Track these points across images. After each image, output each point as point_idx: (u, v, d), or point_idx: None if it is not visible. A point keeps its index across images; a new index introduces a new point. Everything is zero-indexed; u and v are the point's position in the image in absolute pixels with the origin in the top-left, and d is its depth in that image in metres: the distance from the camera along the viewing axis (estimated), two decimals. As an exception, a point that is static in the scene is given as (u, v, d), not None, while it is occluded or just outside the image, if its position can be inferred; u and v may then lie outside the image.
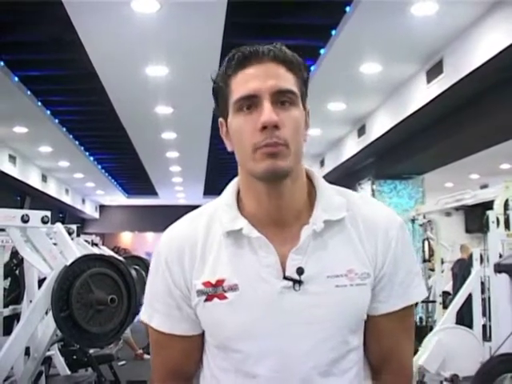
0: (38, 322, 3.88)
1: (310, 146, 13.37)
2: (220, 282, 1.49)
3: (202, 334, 1.58)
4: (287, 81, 1.46)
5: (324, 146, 13.66)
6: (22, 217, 3.69)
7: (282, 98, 1.45)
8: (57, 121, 11.19)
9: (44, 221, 3.75)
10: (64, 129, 11.88)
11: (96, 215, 24.82)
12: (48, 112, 10.54)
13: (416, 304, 1.74)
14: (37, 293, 4.77)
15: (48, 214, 3.81)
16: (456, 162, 10.73)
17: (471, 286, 5.62)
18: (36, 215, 3.77)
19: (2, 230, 4.43)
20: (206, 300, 1.49)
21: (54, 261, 3.83)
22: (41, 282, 5.37)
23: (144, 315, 1.61)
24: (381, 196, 12.25)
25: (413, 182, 12.28)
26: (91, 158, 15.29)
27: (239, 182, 1.59)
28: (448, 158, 10.58)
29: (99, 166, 16.51)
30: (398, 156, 11.11)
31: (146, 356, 11.60)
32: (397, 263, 1.54)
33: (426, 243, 8.86)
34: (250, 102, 1.44)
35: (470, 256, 7.00)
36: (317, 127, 11.66)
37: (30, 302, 5.08)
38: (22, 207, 15.42)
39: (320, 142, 13.03)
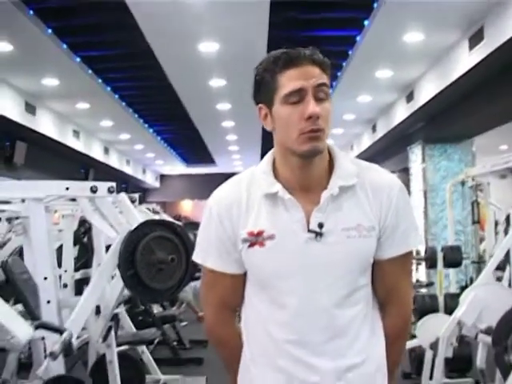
0: (106, 282, 4.31)
1: (361, 112, 13.75)
2: (260, 233, 1.90)
3: (245, 274, 2.01)
4: (322, 78, 1.88)
5: (375, 112, 13.88)
6: (91, 188, 4.08)
7: (319, 93, 1.87)
8: (116, 96, 11.72)
9: (110, 191, 4.13)
10: (123, 103, 12.41)
11: (157, 184, 25.37)
12: (108, 88, 11.06)
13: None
14: (105, 256, 5.30)
15: (113, 184, 4.24)
16: (509, 125, 10.71)
17: (509, 243, 5.84)
18: (103, 186, 4.14)
19: (73, 200, 4.88)
20: (249, 246, 1.91)
21: (119, 226, 4.25)
22: (108, 247, 5.91)
23: (198, 258, 2.04)
24: (431, 160, 12.39)
25: (462, 145, 12.29)
26: (150, 130, 15.77)
27: (275, 155, 2.01)
28: (496, 120, 10.64)
29: (158, 138, 16.99)
30: (446, 120, 11.20)
31: (207, 318, 12.17)
32: (398, 217, 1.94)
33: (476, 206, 9.05)
34: (298, 96, 1.85)
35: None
36: (367, 94, 11.97)
37: (99, 265, 5.66)
38: (86, 179, 16.01)
39: (371, 108, 13.30)
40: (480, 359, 4.72)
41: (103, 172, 17.27)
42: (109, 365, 4.81)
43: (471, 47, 8.10)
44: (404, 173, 14.36)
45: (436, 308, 7.08)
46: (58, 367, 3.71)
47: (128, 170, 20.09)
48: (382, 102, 12.82)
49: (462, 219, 11.26)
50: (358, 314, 1.93)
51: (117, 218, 4.31)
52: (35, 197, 3.93)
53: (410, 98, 11.53)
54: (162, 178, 26.38)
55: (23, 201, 4.00)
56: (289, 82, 1.86)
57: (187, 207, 26.57)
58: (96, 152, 16.07)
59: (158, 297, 4.53)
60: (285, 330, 1.90)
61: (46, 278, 3.90)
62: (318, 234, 1.86)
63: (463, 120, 10.70)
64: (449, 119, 11.08)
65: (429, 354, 5.81)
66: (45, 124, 12.04)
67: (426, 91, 10.50)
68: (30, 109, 11.10)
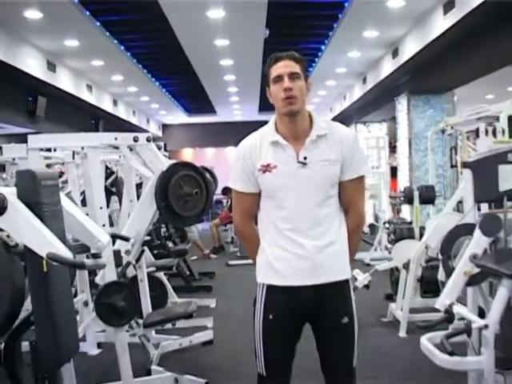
0: (147, 211, 5.23)
1: (352, 66, 14.67)
2: (269, 165, 3.01)
3: (259, 193, 3.13)
4: (296, 68, 3.02)
5: (365, 66, 14.78)
6: (134, 138, 5.13)
7: (292, 76, 3.01)
8: (129, 54, 12.74)
9: (148, 140, 5.16)
10: (134, 60, 13.40)
11: (159, 133, 25.96)
12: (122, 47, 12.09)
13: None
14: (134, 192, 6.40)
15: (150, 134, 5.23)
16: (494, 76, 11.36)
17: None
18: (143, 136, 5.18)
19: (116, 148, 5.87)
20: (263, 173, 3.04)
21: (154, 168, 5.23)
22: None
23: (231, 184, 3.18)
24: (415, 110, 13.38)
25: (444, 96, 13.26)
26: (157, 83, 16.64)
27: (276, 117, 3.16)
28: (474, 74, 11.52)
29: (163, 90, 17.83)
30: (428, 74, 12.19)
31: (212, 255, 13.28)
32: (352, 154, 3.09)
33: (454, 151, 9.94)
34: (279, 79, 3.01)
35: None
36: (356, 51, 12.97)
37: (131, 201, 6.64)
38: (96, 129, 16.97)
39: (361, 62, 14.24)
40: (440, 273, 5.65)
41: (112, 122, 18.20)
42: (140, 283, 5.77)
43: (445, 12, 9.14)
44: (393, 121, 15.31)
45: (412, 237, 8.17)
46: (112, 275, 4.81)
47: (134, 120, 20.91)
48: (371, 57, 13.75)
49: (443, 164, 12.15)
50: (330, 212, 3.07)
51: (153, 161, 5.27)
52: (93, 145, 5.06)
53: (395, 54, 12.49)
54: (165, 127, 27.00)
55: (82, 148, 5.01)
56: (275, 71, 3.02)
57: (188, 155, 26.90)
58: (106, 104, 16.97)
59: (186, 222, 5.64)
60: (284, 222, 3.03)
61: (101, 208, 5.04)
62: (304, 164, 3.01)
63: (444, 74, 11.69)
64: (431, 73, 12.07)
65: (403, 274, 6.86)
66: (63, 80, 13.04)
67: (409, 48, 11.48)
68: (51, 67, 12.12)
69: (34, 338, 3.08)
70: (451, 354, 3.87)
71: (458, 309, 4.35)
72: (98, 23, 10.18)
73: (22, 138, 12.30)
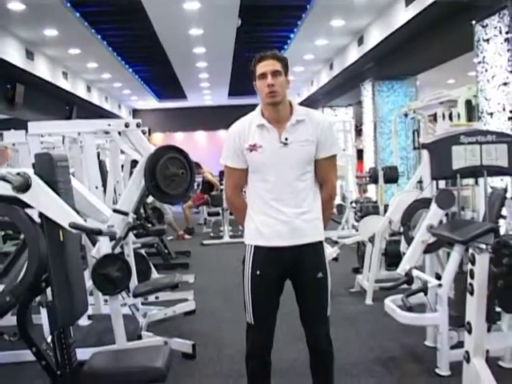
0: (136, 189, 5.61)
1: (319, 53, 15.22)
2: (255, 145, 3.52)
3: (247, 169, 3.65)
4: (277, 66, 3.54)
5: (332, 53, 15.35)
6: (125, 124, 5.59)
7: (274, 73, 3.53)
8: (105, 42, 13.16)
9: (138, 125, 5.62)
10: (110, 48, 13.82)
11: (130, 118, 25.93)
12: (99, 36, 12.51)
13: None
14: (120, 174, 6.83)
15: (140, 120, 5.62)
16: (455, 62, 11.93)
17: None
18: (133, 122, 5.63)
19: (107, 132, 6.28)
20: (250, 152, 3.54)
21: (143, 151, 5.63)
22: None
23: (223, 160, 3.68)
24: (380, 95, 13.95)
25: (407, 81, 13.85)
26: (130, 70, 17.08)
27: (261, 106, 3.67)
28: (434, 61, 12.22)
29: (136, 76, 18.28)
30: (392, 61, 12.77)
31: (186, 236, 13.71)
32: (326, 137, 3.63)
33: (416, 134, 10.42)
34: (263, 76, 3.53)
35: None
36: (323, 39, 13.54)
37: (117, 182, 7.09)
38: (70, 116, 17.34)
39: (328, 49, 14.81)
40: (402, 246, 6.12)
41: (85, 108, 18.56)
42: (127, 258, 5.90)
43: (407, 4, 9.69)
44: (359, 105, 15.81)
45: (377, 214, 8.69)
46: (107, 248, 5.29)
47: (106, 105, 21.30)
48: (337, 44, 14.31)
49: (406, 146, 12.64)
50: (306, 185, 3.60)
51: (141, 145, 5.70)
52: (89, 131, 5.54)
53: (360, 42, 13.05)
54: (135, 112, 27.38)
55: (79, 134, 5.46)
56: (260, 69, 3.52)
57: (158, 140, 26.87)
58: (80, 91, 17.36)
59: (172, 199, 6.04)
60: (269, 193, 3.55)
61: (97, 187, 5.54)
62: (285, 144, 3.54)
63: (406, 61, 12.28)
64: (394, 60, 12.64)
65: (369, 248, 7.37)
66: (41, 68, 13.44)
67: (374, 37, 12.04)
68: (30, 55, 12.53)
69: (49, 300, 3.55)
70: (410, 309, 4.43)
71: (416, 272, 4.94)
72: (78, 14, 10.61)
73: (1, 124, 12.73)
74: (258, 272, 3.56)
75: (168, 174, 5.54)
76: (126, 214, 5.29)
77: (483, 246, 3.14)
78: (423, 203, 5.48)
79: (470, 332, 3.07)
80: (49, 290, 3.48)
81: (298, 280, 3.64)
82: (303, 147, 3.54)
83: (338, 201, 16.03)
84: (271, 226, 3.53)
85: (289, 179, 3.53)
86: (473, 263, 3.00)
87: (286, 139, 3.52)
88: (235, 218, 4.01)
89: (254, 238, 3.61)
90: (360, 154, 15.85)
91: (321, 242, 3.65)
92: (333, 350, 3.74)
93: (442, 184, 5.52)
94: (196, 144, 26.56)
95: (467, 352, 3.10)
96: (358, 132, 18.16)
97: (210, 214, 14.70)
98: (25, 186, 3.32)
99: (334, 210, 16.02)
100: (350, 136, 18.40)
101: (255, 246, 3.60)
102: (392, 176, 9.21)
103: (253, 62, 3.59)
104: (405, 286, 5.05)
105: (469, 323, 3.10)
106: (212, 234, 13.88)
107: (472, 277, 3.03)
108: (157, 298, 6.76)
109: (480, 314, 2.98)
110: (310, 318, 3.69)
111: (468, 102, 8.05)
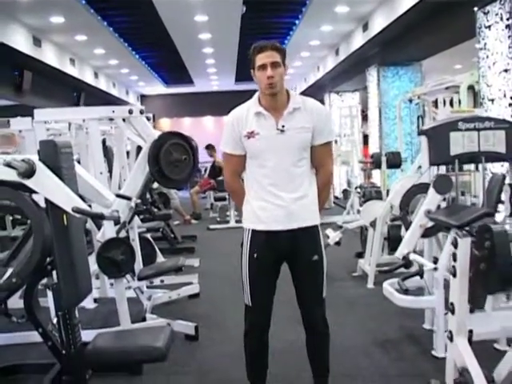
0: (140, 175, 5.68)
1: (325, 39, 15.25)
2: (253, 132, 3.62)
3: (245, 155, 3.75)
4: (277, 58, 3.62)
5: (337, 39, 15.39)
6: (129, 110, 5.69)
7: (274, 65, 3.60)
8: (111, 29, 13.25)
9: (141, 112, 5.73)
10: (116, 34, 13.91)
11: (138, 104, 26.01)
12: (105, 23, 12.61)
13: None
14: (125, 159, 6.92)
15: (143, 107, 5.76)
16: (461, 47, 11.68)
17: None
18: (136, 109, 5.75)
19: (111, 119, 6.41)
20: (248, 138, 3.64)
21: (147, 137, 5.72)
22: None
23: (222, 146, 3.79)
24: (385, 80, 13.99)
25: (412, 67, 13.89)
26: (136, 56, 17.15)
27: (259, 94, 3.76)
28: (439, 47, 12.19)
29: (143, 62, 18.35)
30: (397, 46, 12.80)
31: (193, 221, 13.85)
32: (322, 124, 3.74)
33: (420, 120, 10.48)
34: (263, 67, 3.61)
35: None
36: (328, 25, 13.60)
37: (122, 167, 7.19)
38: (78, 103, 17.48)
39: (333, 35, 14.86)
40: (404, 230, 6.21)
41: (93, 94, 18.62)
42: (132, 242, 6.06)
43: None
44: (365, 91, 15.84)
45: (380, 199, 8.75)
46: (111, 232, 5.41)
47: (114, 92, 21.35)
48: (343, 30, 14.35)
49: (411, 131, 12.77)
50: (303, 171, 3.70)
51: (145, 131, 5.79)
52: (94, 117, 5.65)
53: (365, 27, 13.09)
54: (143, 98, 27.41)
55: (84, 120, 5.57)
56: (259, 60, 3.58)
57: (166, 125, 27.25)
58: (88, 77, 17.42)
59: (175, 184, 6.14)
60: (266, 178, 3.65)
61: (101, 173, 5.66)
62: (282, 131, 3.64)
63: (411, 46, 12.31)
64: (399, 46, 12.66)
65: (370, 232, 7.49)
66: (48, 55, 13.54)
67: (378, 23, 12.10)
68: (37, 42, 12.63)
69: (54, 282, 3.68)
70: (406, 291, 4.53)
71: (413, 256, 5.04)
72: (84, 1, 10.71)
73: (8, 110, 12.89)
74: (256, 255, 3.68)
75: (171, 160, 5.64)
76: (128, 198, 5.39)
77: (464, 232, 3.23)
78: (421, 188, 5.56)
79: (452, 312, 3.18)
80: (54, 273, 3.61)
81: (295, 263, 3.75)
82: (299, 134, 3.64)
83: (343, 186, 16.16)
84: (268, 211, 3.65)
85: (286, 165, 3.64)
86: (455, 247, 3.10)
87: (283, 126, 3.62)
88: (234, 202, 4.13)
89: (252, 222, 3.73)
90: (366, 139, 15.92)
91: (316, 226, 3.76)
92: (328, 331, 3.86)
93: (443, 170, 5.59)
94: (203, 129, 26.61)
95: (450, 332, 3.21)
96: (365, 117, 18.20)
97: (216, 199, 14.78)
98: (29, 172, 3.44)
99: (340, 194, 16.17)
100: (356, 121, 18.53)
101: (253, 230, 3.71)
102: (395, 161, 9.31)
103: (251, 52, 3.66)
104: (404, 269, 5.14)
105: (452, 304, 3.20)
106: (218, 219, 14.03)
107: (455, 259, 3.13)
108: (162, 281, 6.91)
109: (462, 296, 3.08)
110: (306, 300, 3.81)
111: (471, 88, 8.16)
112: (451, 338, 3.18)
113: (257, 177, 3.70)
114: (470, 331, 3.07)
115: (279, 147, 3.62)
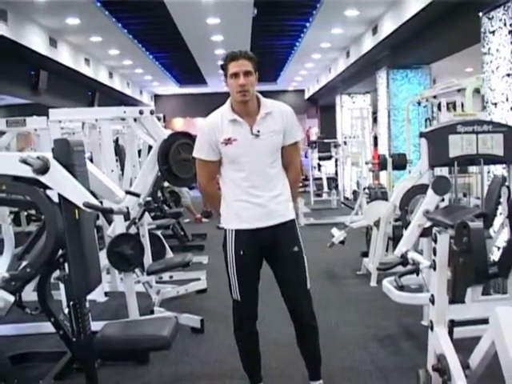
0: (150, 173, 5.93)
1: (336, 42, 15.45)
2: (229, 138, 3.79)
3: (220, 160, 3.87)
4: (249, 67, 3.77)
5: (348, 41, 15.54)
6: (140, 111, 5.89)
7: (246, 73, 3.76)
8: (125, 30, 13.48)
9: (151, 113, 5.91)
10: (130, 36, 14.12)
11: (151, 104, 26.44)
12: (119, 24, 12.83)
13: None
14: (137, 158, 7.09)
15: (153, 108, 5.97)
16: (472, 49, 11.12)
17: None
18: (147, 109, 5.94)
19: (123, 119, 6.56)
20: (225, 145, 3.80)
21: (157, 136, 5.93)
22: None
23: (196, 153, 3.96)
24: (394, 83, 14.06)
25: (421, 70, 13.93)
26: (150, 57, 17.35)
27: (231, 101, 3.92)
28: (448, 50, 12.21)
29: (157, 62, 18.54)
30: (406, 50, 12.92)
31: (203, 219, 13.99)
32: (291, 125, 3.94)
33: (428, 122, 10.60)
34: (235, 75, 3.77)
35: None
36: (338, 28, 13.76)
37: (133, 166, 7.33)
38: (92, 102, 17.74)
39: (343, 38, 15.03)
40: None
41: (107, 94, 18.90)
42: (142, 238, 6.26)
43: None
44: (375, 93, 15.98)
45: (386, 200, 8.90)
46: (121, 228, 5.66)
47: (128, 91, 21.56)
48: (353, 33, 14.52)
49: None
50: (277, 172, 3.91)
51: (155, 131, 5.99)
52: (106, 117, 5.86)
53: (375, 31, 13.24)
54: (157, 97, 27.61)
55: (96, 120, 5.76)
56: (232, 68, 3.74)
57: (179, 125, 27.45)
58: (102, 77, 17.64)
59: (183, 182, 6.35)
60: (245, 182, 3.82)
61: (112, 171, 5.87)
62: (257, 136, 3.80)
63: (419, 50, 12.42)
64: (407, 49, 12.80)
65: (374, 232, 7.61)
66: (63, 55, 13.78)
67: (387, 26, 12.23)
68: (53, 43, 12.87)
69: (65, 273, 3.88)
70: (401, 288, 4.70)
71: (411, 254, 5.20)
72: (99, 4, 10.95)
73: (24, 109, 13.17)
74: (242, 252, 3.90)
75: (180, 159, 5.84)
76: (137, 195, 5.60)
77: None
78: (421, 189, 5.72)
79: (433, 303, 3.36)
80: (66, 265, 3.81)
81: (276, 256, 3.97)
82: (272, 137, 3.86)
83: (353, 187, 16.30)
84: (249, 210, 3.86)
85: (262, 167, 3.86)
86: (435, 242, 3.29)
87: (258, 131, 3.83)
88: (210, 205, 4.36)
89: (235, 223, 3.94)
90: (377, 140, 16.04)
91: (293, 220, 4.01)
92: (316, 324, 4.06)
93: (445, 172, 5.72)
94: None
95: (431, 321, 3.41)
96: (375, 119, 18.30)
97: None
98: (44, 169, 3.63)
99: (350, 196, 16.32)
100: (367, 123, 18.65)
101: (236, 230, 3.92)
102: (400, 163, 9.45)
103: (224, 60, 3.84)
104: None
105: (432, 295, 3.39)
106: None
107: (435, 254, 3.33)
108: (171, 277, 7.10)
109: (441, 288, 3.27)
110: (292, 293, 4.02)
111: (477, 92, 8.29)
112: (431, 328, 3.38)
113: (236, 180, 3.89)
114: (452, 321, 3.26)
115: (255, 151, 3.83)
